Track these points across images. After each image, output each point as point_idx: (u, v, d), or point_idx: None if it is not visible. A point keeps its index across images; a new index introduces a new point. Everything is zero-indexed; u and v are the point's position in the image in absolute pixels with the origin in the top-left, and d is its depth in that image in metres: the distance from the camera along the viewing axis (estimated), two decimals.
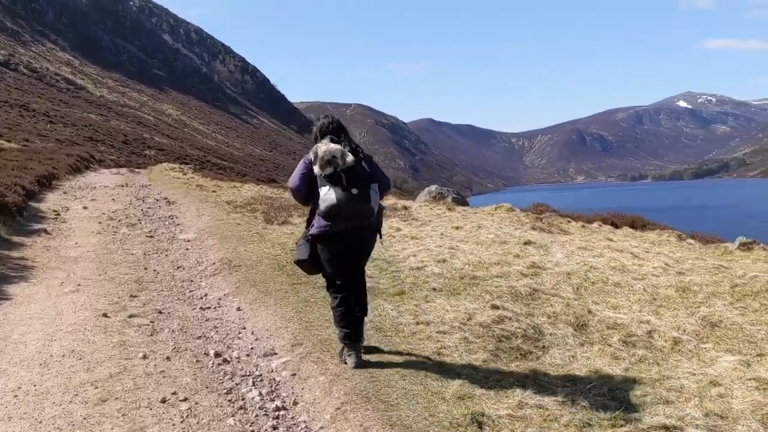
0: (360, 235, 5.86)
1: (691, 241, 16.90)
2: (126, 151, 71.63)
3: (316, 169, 5.68)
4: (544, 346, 6.52)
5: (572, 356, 6.28)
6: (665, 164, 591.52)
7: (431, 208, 19.29)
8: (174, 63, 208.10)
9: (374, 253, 10.16)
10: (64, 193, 20.78)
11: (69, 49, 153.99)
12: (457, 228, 13.73)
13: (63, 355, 6.02)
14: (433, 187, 24.82)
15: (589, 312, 7.56)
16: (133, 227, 13.87)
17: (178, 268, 10.07)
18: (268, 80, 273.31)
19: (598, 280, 9.02)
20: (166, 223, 14.60)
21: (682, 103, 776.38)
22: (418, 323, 6.96)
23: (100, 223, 14.29)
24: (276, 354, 6.31)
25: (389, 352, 6.18)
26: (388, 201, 20.73)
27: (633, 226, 20.40)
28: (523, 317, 7.18)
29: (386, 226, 13.48)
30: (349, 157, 5.67)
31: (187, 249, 11.46)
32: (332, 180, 5.59)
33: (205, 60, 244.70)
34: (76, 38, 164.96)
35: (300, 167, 5.86)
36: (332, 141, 5.79)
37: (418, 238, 12.03)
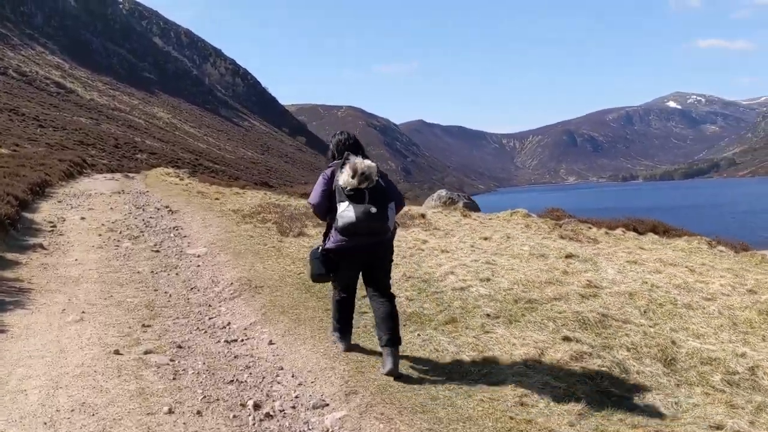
0: (373, 250, 5.94)
1: (722, 248, 16.04)
2: (117, 155, 70.78)
3: (343, 181, 5.72)
4: (636, 389, 5.54)
5: (675, 403, 5.27)
6: (655, 164, 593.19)
7: (446, 215, 18.47)
8: (164, 66, 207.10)
9: (408, 271, 9.32)
10: (59, 201, 19.69)
11: (58, 53, 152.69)
12: (485, 239, 12.82)
13: (72, 410, 4.96)
14: (443, 192, 23.89)
15: (673, 343, 6.58)
16: (137, 240, 12.86)
17: (191, 289, 9.06)
18: (259, 83, 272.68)
19: (665, 302, 8.07)
20: (171, 235, 13.55)
21: (672, 104, 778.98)
22: (485, 361, 6.00)
23: (100, 235, 13.27)
24: (327, 405, 5.20)
25: (461, 404, 5.17)
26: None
27: (655, 231, 19.55)
28: (601, 351, 6.22)
29: (410, 237, 12.58)
30: (374, 176, 5.77)
31: (199, 266, 10.45)
32: (352, 197, 5.68)
33: (196, 63, 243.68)
34: (66, 42, 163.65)
35: (320, 183, 5.96)
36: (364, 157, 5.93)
37: (448, 251, 11.09)
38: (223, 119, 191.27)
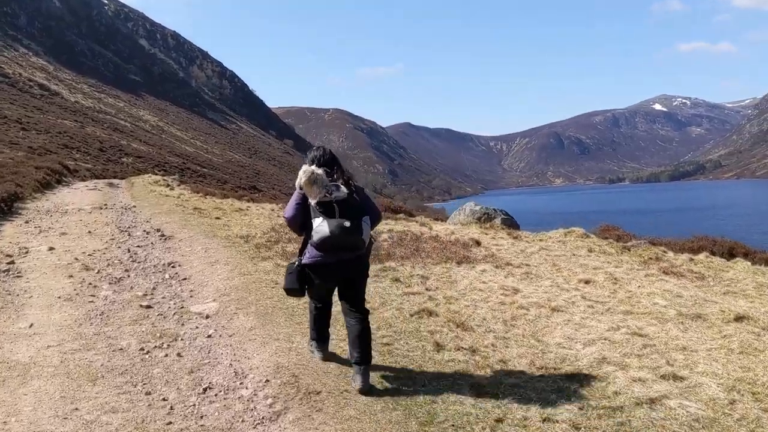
0: (348, 265, 5.95)
1: None
2: (102, 159, 68.65)
3: (310, 198, 5.81)
4: None
5: None
6: (642, 166, 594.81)
7: (493, 238, 15.43)
8: (151, 68, 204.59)
9: (530, 353, 6.26)
10: (26, 221, 16.38)
11: (43, 54, 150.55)
12: (586, 282, 9.63)
13: None
14: (476, 207, 20.53)
15: None
16: (120, 285, 9.52)
17: (204, 391, 5.67)
18: (246, 85, 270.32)
19: None
20: (167, 276, 10.29)
21: (658, 106, 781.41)
22: None
23: (71, 277, 9.93)
24: None
25: None
26: (421, 222, 18.13)
27: (733, 254, 16.56)
28: None
29: (489, 281, 9.52)
30: (343, 190, 5.82)
31: (210, 337, 7.12)
32: (326, 212, 5.75)
33: (183, 65, 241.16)
34: (50, 43, 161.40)
35: (295, 197, 6.00)
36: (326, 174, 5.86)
37: (561, 310, 7.94)
38: (210, 122, 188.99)
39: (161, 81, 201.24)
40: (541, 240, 15.93)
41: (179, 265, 11.04)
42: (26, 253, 11.80)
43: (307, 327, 6.86)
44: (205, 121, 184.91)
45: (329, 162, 6.01)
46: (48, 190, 27.99)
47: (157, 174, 65.72)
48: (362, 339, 5.94)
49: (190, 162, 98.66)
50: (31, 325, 7.37)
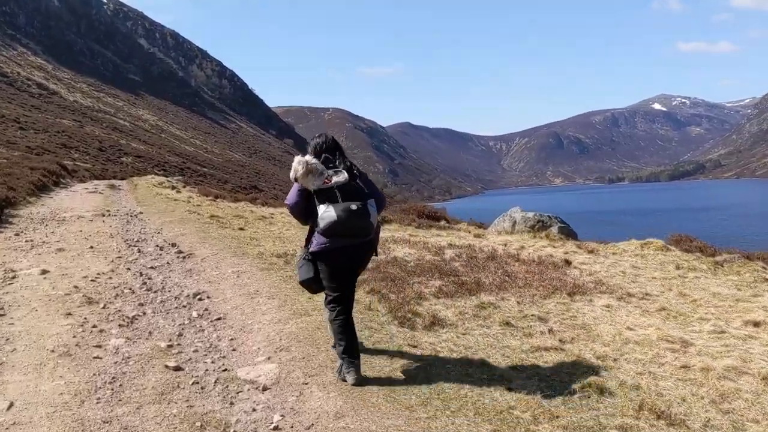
0: (358, 251, 5.82)
1: None
2: (102, 159, 67.70)
3: (309, 188, 5.68)
4: None
5: None
6: (641, 166, 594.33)
7: (566, 251, 13.33)
8: (150, 67, 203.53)
9: None
10: (17, 234, 13.99)
11: (41, 53, 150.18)
12: (755, 325, 7.33)
13: None
14: (528, 214, 18.20)
15: None
16: (134, 329, 7.09)
17: None
18: (245, 84, 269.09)
19: None
20: (194, 313, 7.87)
21: (657, 106, 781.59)
22: None
23: (69, 315, 7.58)
24: None
25: None
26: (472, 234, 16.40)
27: None
28: None
29: (625, 322, 7.16)
30: (343, 174, 5.68)
31: (278, 430, 4.75)
32: (328, 197, 5.61)
33: (182, 64, 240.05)
34: (49, 42, 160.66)
35: (296, 184, 5.82)
36: (328, 160, 5.82)
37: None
38: (209, 121, 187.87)
39: (160, 80, 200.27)
40: (614, 253, 13.81)
41: (208, 297, 8.65)
42: (13, 278, 9.46)
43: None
44: (204, 121, 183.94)
45: (331, 148, 5.95)
46: (44, 193, 26.08)
47: (158, 174, 64.07)
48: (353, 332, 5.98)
49: (190, 161, 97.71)
50: (11, 406, 4.97)
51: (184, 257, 11.60)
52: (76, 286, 9.03)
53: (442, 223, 19.47)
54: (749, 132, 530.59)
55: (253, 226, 15.92)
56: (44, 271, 9.96)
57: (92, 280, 9.49)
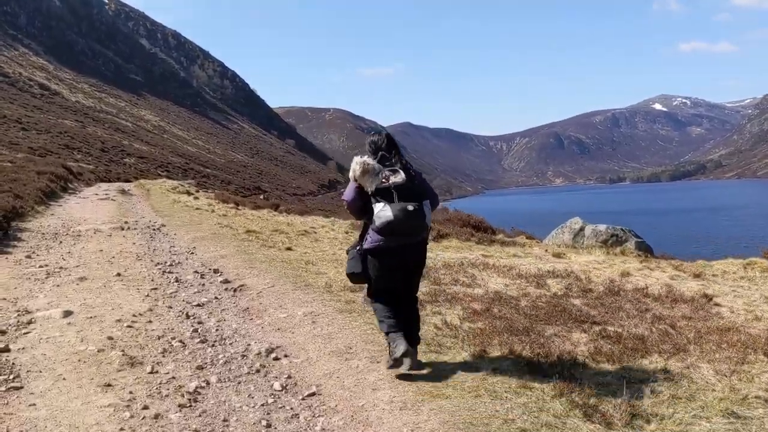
0: (411, 251, 5.86)
1: None
2: (104, 160, 68.47)
3: (366, 188, 5.72)
4: None
5: None
6: (642, 166, 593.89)
7: (671, 277, 11.79)
8: (152, 68, 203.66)
9: None
10: (28, 256, 12.06)
11: (43, 54, 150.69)
12: None
13: None
14: (599, 227, 16.83)
15: None
16: (199, 411, 5.16)
17: None
18: (247, 85, 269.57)
19: None
20: (276, 385, 5.76)
21: (658, 106, 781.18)
22: None
23: (108, 388, 5.59)
24: None
25: None
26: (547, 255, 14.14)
27: None
28: None
29: None
30: (401, 175, 5.73)
31: None
32: (385, 196, 5.65)
33: (184, 65, 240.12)
34: (51, 42, 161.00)
35: (354, 183, 5.87)
36: (384, 158, 5.89)
37: None
38: (211, 122, 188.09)
39: (162, 81, 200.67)
40: (714, 275, 12.30)
41: (286, 356, 6.57)
42: (29, 323, 7.52)
43: None
44: (206, 121, 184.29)
45: (388, 147, 6.01)
46: (53, 200, 24.34)
47: (162, 175, 63.12)
48: (416, 323, 6.02)
49: (193, 162, 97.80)
50: None
51: (234, 290, 9.58)
52: (110, 337, 7.05)
53: (500, 236, 18.13)
54: (750, 132, 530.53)
55: (299, 245, 14.18)
56: (67, 313, 7.99)
57: (129, 326, 7.50)
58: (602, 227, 17.13)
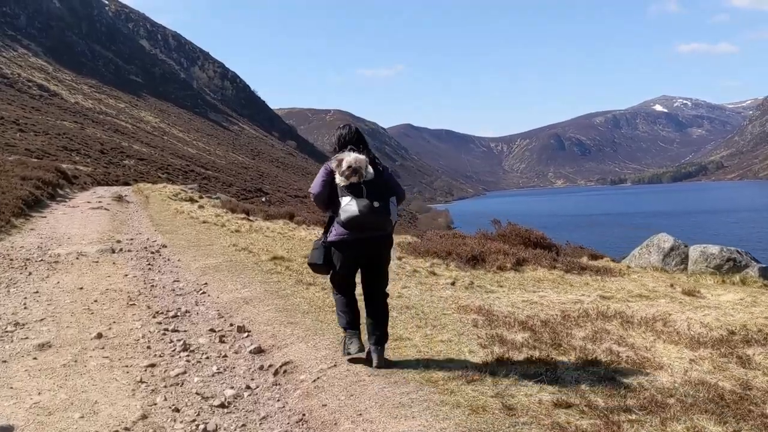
0: (375, 244, 5.92)
1: None
2: (103, 162, 66.79)
3: (338, 178, 5.80)
4: None
5: None
6: (643, 168, 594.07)
7: None
8: (152, 69, 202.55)
9: None
10: None
11: (42, 55, 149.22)
12: None
13: None
14: (711, 248, 14.52)
15: None
16: None
17: None
18: (248, 86, 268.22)
19: None
20: None
21: (659, 107, 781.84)
22: None
23: None
24: None
25: None
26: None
27: None
28: None
29: None
30: (370, 170, 5.83)
31: None
32: (353, 191, 5.72)
33: (184, 66, 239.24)
34: (50, 43, 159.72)
35: (321, 173, 5.99)
36: (353, 151, 5.91)
37: None
38: (212, 123, 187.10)
39: (162, 82, 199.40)
40: None
41: None
42: None
43: None
44: (207, 123, 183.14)
45: (355, 140, 6.10)
46: (36, 211, 21.66)
47: (161, 177, 63.09)
48: (384, 321, 6.01)
49: (193, 164, 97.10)
50: None
51: (275, 372, 6.05)
52: None
53: (583, 259, 14.73)
54: (751, 133, 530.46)
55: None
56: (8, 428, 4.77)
57: None
58: (714, 249, 14.44)
